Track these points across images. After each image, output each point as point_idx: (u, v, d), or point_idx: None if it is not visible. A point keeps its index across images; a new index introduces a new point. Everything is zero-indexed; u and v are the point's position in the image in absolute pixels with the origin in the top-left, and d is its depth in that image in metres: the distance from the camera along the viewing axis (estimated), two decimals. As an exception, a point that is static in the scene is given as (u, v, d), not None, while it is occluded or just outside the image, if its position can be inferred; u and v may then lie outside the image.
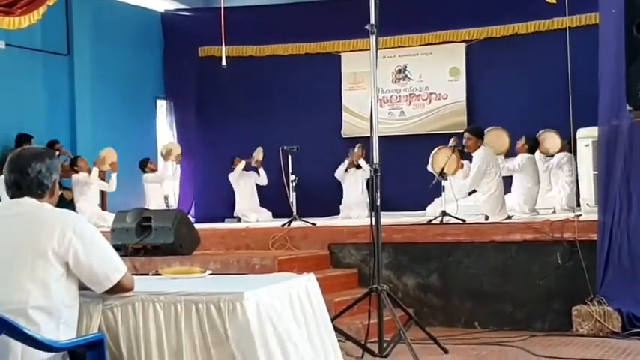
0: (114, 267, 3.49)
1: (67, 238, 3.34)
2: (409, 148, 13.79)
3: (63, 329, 3.35)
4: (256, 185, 13.70)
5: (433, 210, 10.74)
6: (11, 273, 3.29)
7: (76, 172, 11.95)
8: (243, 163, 13.50)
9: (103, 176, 12.29)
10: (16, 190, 3.49)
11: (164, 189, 13.69)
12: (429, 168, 10.36)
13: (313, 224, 9.79)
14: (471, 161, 9.81)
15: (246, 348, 3.38)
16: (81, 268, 3.37)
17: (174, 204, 14.21)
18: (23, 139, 11.71)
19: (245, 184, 13.66)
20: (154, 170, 13.45)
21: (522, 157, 10.47)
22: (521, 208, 10.09)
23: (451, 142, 9.87)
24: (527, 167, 10.37)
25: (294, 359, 3.57)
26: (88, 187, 11.92)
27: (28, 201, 3.46)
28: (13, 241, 3.34)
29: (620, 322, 7.11)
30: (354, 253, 8.58)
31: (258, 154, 13.46)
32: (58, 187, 3.60)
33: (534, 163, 10.63)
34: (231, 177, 13.67)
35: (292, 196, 10.81)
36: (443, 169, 9.57)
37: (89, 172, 11.96)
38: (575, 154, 9.64)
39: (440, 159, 9.90)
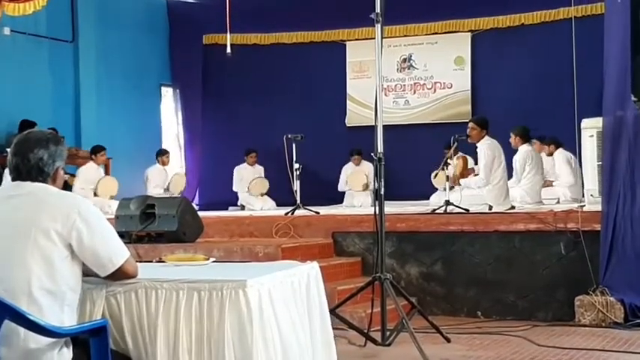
0: (117, 251, 3.49)
1: (72, 220, 3.34)
2: (413, 137, 13.82)
3: (67, 311, 3.35)
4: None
5: (437, 199, 10.74)
6: (14, 253, 3.29)
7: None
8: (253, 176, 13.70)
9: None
10: (17, 174, 3.48)
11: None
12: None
13: (317, 213, 9.79)
14: (474, 152, 9.80)
15: (246, 336, 3.38)
16: (84, 250, 3.37)
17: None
18: (27, 125, 11.70)
19: (249, 174, 13.72)
20: (164, 164, 13.44)
21: (523, 151, 10.39)
22: (523, 198, 10.05)
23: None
24: (530, 158, 10.33)
25: (293, 348, 3.58)
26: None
27: (31, 183, 3.46)
28: (17, 222, 3.34)
29: (622, 312, 7.12)
30: (358, 241, 8.58)
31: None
32: (62, 173, 3.58)
33: (535, 152, 10.60)
34: (237, 170, 13.71)
35: (296, 185, 10.82)
36: (446, 159, 9.56)
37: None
38: (579, 145, 9.62)
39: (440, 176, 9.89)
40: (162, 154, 13.57)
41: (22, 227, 3.32)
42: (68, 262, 3.36)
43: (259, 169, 13.90)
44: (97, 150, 12.24)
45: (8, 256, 3.30)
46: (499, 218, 8.22)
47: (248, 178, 13.68)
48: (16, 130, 11.84)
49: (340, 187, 13.86)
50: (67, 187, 11.15)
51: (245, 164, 13.84)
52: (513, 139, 10.37)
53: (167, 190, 13.16)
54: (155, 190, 12.94)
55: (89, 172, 12.13)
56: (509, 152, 10.19)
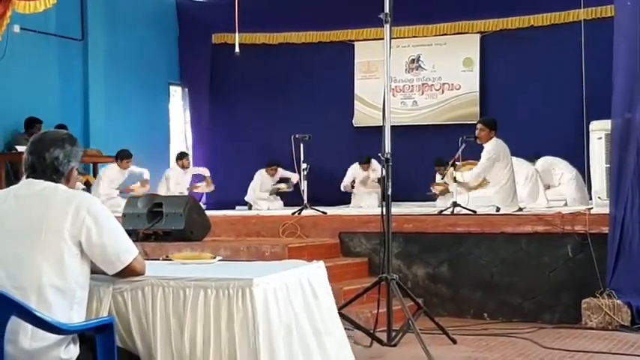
0: (126, 249, 3.51)
1: (81, 218, 3.36)
2: (421, 138, 13.81)
3: (76, 309, 3.37)
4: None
5: (444, 201, 10.73)
6: (25, 251, 3.31)
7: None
8: (279, 185, 13.60)
9: None
10: (31, 172, 3.52)
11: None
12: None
13: (324, 213, 9.79)
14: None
15: (252, 334, 3.39)
16: (93, 248, 3.39)
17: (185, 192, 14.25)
18: (32, 123, 11.73)
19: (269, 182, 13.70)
20: (184, 167, 13.41)
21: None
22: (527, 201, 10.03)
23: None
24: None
25: (298, 347, 3.58)
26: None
27: (43, 181, 3.48)
28: (27, 219, 3.36)
29: (629, 315, 7.11)
30: (365, 242, 8.58)
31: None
32: (75, 173, 3.61)
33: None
34: (258, 175, 13.67)
35: (303, 185, 10.82)
36: (453, 161, 9.54)
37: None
38: (587, 147, 9.61)
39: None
40: (182, 158, 13.53)
41: (32, 225, 3.34)
42: (78, 260, 3.38)
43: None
44: (124, 156, 12.17)
45: (19, 254, 3.31)
46: (506, 220, 8.21)
47: (267, 185, 13.64)
48: (22, 128, 11.89)
49: (344, 186, 13.73)
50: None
51: (265, 172, 13.73)
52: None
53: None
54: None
55: (112, 172, 12.13)
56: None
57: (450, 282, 8.17)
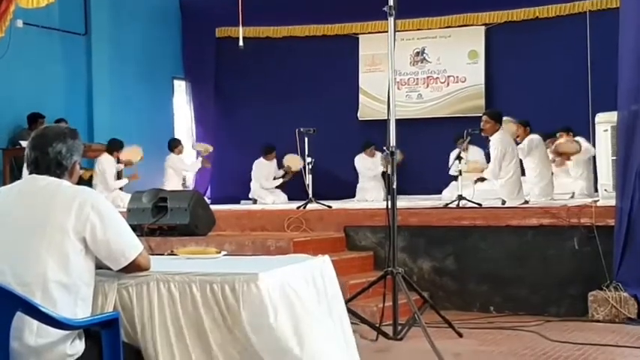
0: (131, 245, 3.49)
1: (85, 214, 3.35)
2: (426, 132, 13.79)
3: (81, 305, 3.36)
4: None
5: (450, 194, 10.71)
6: (29, 247, 3.30)
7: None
8: (280, 172, 13.61)
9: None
10: (35, 167, 3.51)
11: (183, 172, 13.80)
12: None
13: (329, 207, 9.78)
14: (487, 145, 9.76)
15: (260, 328, 3.38)
16: (98, 244, 3.38)
17: (191, 186, 14.28)
18: (35, 118, 11.71)
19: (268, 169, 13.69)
20: (180, 152, 13.51)
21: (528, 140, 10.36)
22: (537, 195, 9.99)
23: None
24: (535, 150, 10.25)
25: (307, 340, 3.56)
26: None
27: (46, 177, 3.47)
28: (32, 216, 3.35)
29: (636, 308, 7.09)
30: (370, 235, 8.57)
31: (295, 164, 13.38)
32: (78, 167, 3.60)
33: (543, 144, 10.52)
34: (257, 164, 13.65)
35: (308, 179, 10.81)
36: (459, 153, 9.54)
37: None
38: (594, 139, 9.58)
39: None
40: (177, 145, 13.63)
41: (36, 222, 3.33)
42: (82, 256, 3.37)
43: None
44: (119, 146, 12.19)
45: (23, 250, 3.30)
46: (512, 213, 8.19)
47: (267, 173, 13.64)
48: (26, 123, 11.88)
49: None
50: (83, 182, 11.19)
51: (262, 159, 13.75)
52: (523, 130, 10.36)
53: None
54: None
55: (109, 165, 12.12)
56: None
57: (456, 275, 8.16)
